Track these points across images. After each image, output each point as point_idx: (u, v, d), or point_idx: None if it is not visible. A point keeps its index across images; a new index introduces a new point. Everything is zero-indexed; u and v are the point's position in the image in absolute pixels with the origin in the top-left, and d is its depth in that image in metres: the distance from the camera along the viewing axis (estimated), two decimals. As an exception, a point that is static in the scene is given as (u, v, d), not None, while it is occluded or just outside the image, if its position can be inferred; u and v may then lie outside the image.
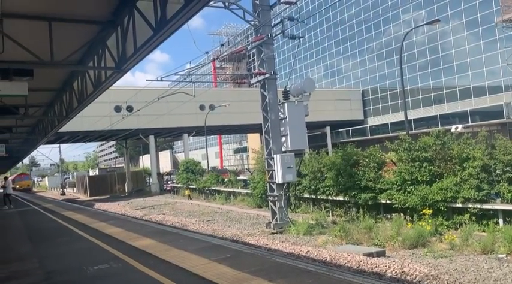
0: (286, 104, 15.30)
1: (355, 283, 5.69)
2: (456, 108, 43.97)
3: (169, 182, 44.87)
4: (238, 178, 30.06)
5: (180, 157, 66.07)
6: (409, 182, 14.47)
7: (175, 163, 69.68)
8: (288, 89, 15.81)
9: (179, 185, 38.15)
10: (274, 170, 15.14)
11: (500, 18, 38.07)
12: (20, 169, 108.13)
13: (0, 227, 16.38)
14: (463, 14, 43.13)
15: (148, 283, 6.42)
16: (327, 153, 20.66)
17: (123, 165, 77.69)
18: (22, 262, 8.82)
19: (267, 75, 15.19)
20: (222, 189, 29.75)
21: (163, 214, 24.64)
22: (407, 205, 14.07)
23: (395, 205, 14.72)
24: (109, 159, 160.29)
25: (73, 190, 69.51)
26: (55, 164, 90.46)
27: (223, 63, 76.51)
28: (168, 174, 49.55)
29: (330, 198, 18.06)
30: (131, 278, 6.79)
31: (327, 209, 18.61)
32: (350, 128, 55.10)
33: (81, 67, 13.14)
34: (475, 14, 41.86)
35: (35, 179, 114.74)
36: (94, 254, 9.13)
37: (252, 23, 15.52)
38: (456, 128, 35.55)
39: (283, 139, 15.38)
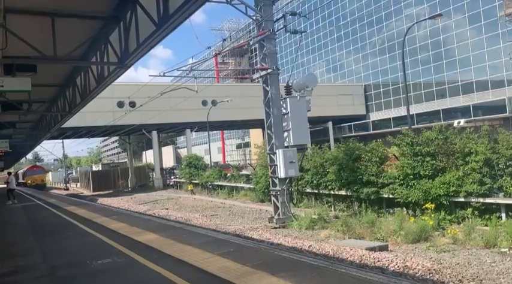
0: (288, 99, 15.30)
1: (357, 276, 5.72)
2: (458, 103, 43.87)
3: (172, 177, 45.00)
4: (240, 173, 30.13)
5: (183, 152, 66.19)
6: (412, 176, 14.47)
7: (178, 158, 69.90)
8: (290, 84, 15.81)
9: (182, 180, 38.24)
10: (277, 165, 15.17)
11: (502, 13, 37.90)
12: (24, 164, 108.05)
13: (5, 222, 16.48)
14: (466, 8, 42.94)
15: (152, 277, 6.46)
16: (329, 147, 20.67)
17: (126, 160, 77.82)
18: (26, 257, 8.88)
19: (269, 70, 15.19)
20: (224, 183, 29.82)
21: (167, 209, 24.74)
22: (409, 199, 14.08)
23: (398, 200, 14.73)
24: (112, 155, 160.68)
25: (76, 185, 69.85)
26: (58, 159, 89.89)
27: (225, 58, 76.41)
28: (171, 169, 49.68)
29: (332, 192, 18.08)
30: (135, 273, 6.84)
31: (329, 204, 18.64)
32: (352, 123, 55.08)
33: (84, 62, 13.18)
34: (478, 8, 41.67)
35: None
36: (98, 248, 9.18)
37: (254, 17, 15.50)
38: (458, 122, 35.46)
39: (286, 134, 15.39)
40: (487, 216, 12.32)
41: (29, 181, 61.07)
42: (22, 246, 10.38)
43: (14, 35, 9.21)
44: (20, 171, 76.16)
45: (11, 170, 62.05)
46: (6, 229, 14.31)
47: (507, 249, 9.78)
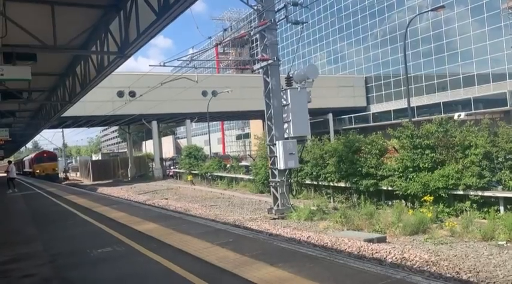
0: (289, 90, 15.27)
1: (355, 267, 5.75)
2: (459, 96, 43.78)
3: (171, 167, 45.06)
4: (240, 164, 30.19)
5: (183, 142, 66.19)
6: (411, 169, 14.50)
7: (177, 148, 69.91)
8: (291, 75, 15.77)
9: (182, 170, 38.33)
10: (276, 156, 15.19)
11: (505, 5, 37.70)
12: (24, 153, 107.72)
13: (5, 211, 16.54)
14: (468, 0, 42.67)
15: (151, 266, 6.50)
16: (329, 139, 20.69)
17: (125, 150, 77.87)
18: (27, 245, 8.93)
19: (270, 61, 15.15)
20: (224, 174, 29.89)
21: (166, 199, 24.82)
22: (408, 192, 14.13)
23: (397, 192, 14.78)
24: (112, 144, 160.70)
25: (76, 174, 69.96)
26: (58, 148, 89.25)
27: (226, 48, 75.98)
28: (171, 159, 49.72)
29: (332, 184, 18.13)
30: (134, 261, 6.88)
31: (329, 195, 18.71)
32: (352, 115, 55.00)
33: (84, 51, 13.14)
34: (480, 1, 41.41)
35: None
36: (98, 237, 9.22)
37: (256, 7, 15.42)
38: (459, 115, 35.39)
39: (286, 125, 15.39)
40: (486, 209, 12.38)
41: (38, 171, 50.49)
42: (23, 234, 10.43)
43: (14, 23, 9.18)
44: (27, 158, 65.82)
45: (11, 159, 61.83)
46: (7, 218, 14.37)
47: (504, 242, 9.84)
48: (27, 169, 59.23)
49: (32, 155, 59.01)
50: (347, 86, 55.47)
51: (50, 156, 53.59)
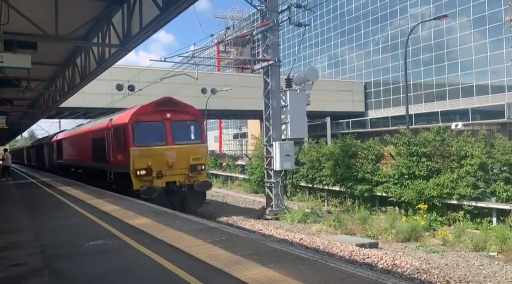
0: (288, 92, 15.30)
1: (347, 272, 5.74)
2: (458, 106, 43.89)
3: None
4: (236, 163, 30.20)
5: (179, 139, 65.92)
6: (406, 176, 14.56)
7: (174, 144, 69.51)
8: (291, 77, 15.80)
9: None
10: (273, 157, 15.20)
11: (508, 17, 37.83)
12: (19, 142, 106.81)
13: (-2, 199, 16.44)
14: (471, 11, 42.83)
15: (142, 260, 6.48)
16: (326, 143, 20.73)
17: (121, 143, 77.23)
18: (18, 234, 8.88)
19: (270, 62, 15.16)
20: (219, 173, 29.90)
21: (160, 194, 24.70)
22: (403, 199, 14.18)
23: (391, 199, 14.83)
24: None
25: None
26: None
27: (227, 47, 76.01)
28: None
29: (327, 187, 18.17)
30: (126, 256, 6.85)
31: (323, 198, 18.73)
32: (350, 120, 55.07)
33: (85, 43, 13.09)
34: (483, 12, 41.56)
35: None
36: (90, 230, 9.17)
37: (259, 7, 15.44)
38: (456, 125, 35.51)
39: (284, 127, 15.41)
40: (478, 220, 12.44)
41: (144, 171, 15.64)
42: (14, 223, 10.37)
43: (16, 11, 9.12)
44: (73, 133, 25.93)
45: (7, 146, 61.38)
46: (-1, 206, 14.29)
47: (496, 253, 9.88)
48: (75, 159, 25.01)
49: (120, 113, 18.63)
50: (346, 90, 55.51)
51: (184, 123, 18.65)
